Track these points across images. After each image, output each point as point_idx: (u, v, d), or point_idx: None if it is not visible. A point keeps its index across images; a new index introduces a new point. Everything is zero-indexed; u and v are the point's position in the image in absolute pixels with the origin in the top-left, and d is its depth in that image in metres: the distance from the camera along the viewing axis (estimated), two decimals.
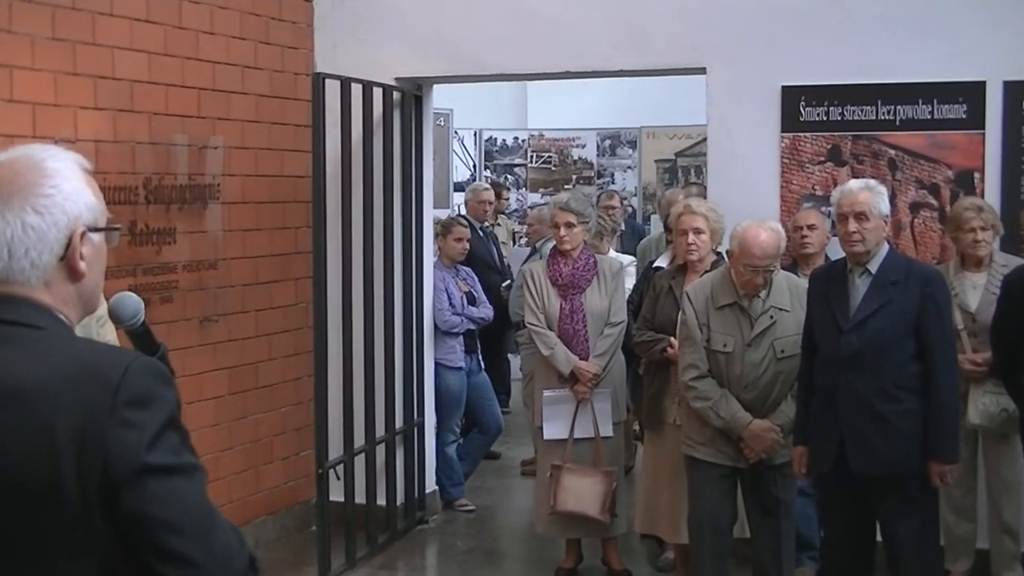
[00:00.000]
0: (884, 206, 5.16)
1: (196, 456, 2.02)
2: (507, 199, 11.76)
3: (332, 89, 6.76)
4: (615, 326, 6.64)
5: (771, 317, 5.49)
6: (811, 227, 6.54)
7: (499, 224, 11.29)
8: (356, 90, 6.96)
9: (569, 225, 6.62)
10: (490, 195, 10.01)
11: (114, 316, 3.06)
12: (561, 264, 6.69)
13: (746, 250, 5.41)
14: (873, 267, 5.14)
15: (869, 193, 5.14)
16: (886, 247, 5.21)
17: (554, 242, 6.80)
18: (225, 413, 6.97)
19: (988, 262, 6.08)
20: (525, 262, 8.22)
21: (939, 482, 5.12)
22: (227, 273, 6.95)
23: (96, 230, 2.10)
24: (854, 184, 5.26)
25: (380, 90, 7.19)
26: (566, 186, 13.42)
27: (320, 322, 6.71)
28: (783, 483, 5.60)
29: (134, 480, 1.92)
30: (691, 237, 6.14)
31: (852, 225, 5.09)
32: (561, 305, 6.65)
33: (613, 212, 10.14)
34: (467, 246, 8.14)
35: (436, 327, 7.86)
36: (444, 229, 8.03)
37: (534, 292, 6.72)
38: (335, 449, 6.89)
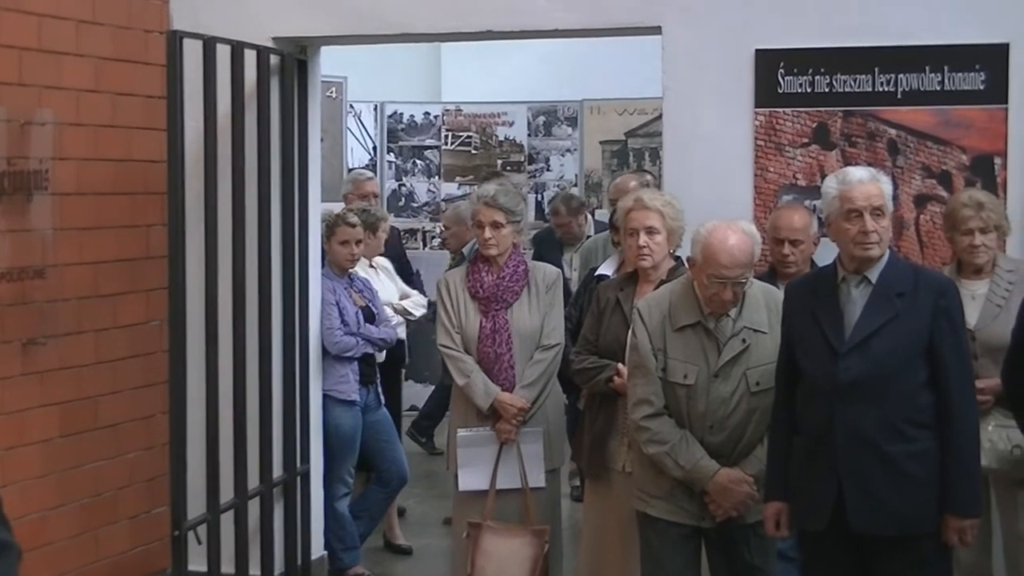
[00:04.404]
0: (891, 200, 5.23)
1: (7, 529, 1.92)
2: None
3: (192, 51, 6.68)
4: (549, 350, 6.66)
5: (744, 341, 5.46)
6: (795, 243, 6.53)
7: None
8: (223, 52, 6.90)
9: (496, 225, 6.62)
10: (373, 185, 9.94)
11: None
12: (483, 272, 6.67)
13: (711, 258, 5.37)
14: (873, 275, 5.12)
15: (881, 184, 5.17)
16: (888, 251, 5.21)
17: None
18: (55, 461, 6.88)
19: (990, 268, 6.11)
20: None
21: (957, 540, 5.12)
22: (58, 283, 6.85)
23: None
24: (861, 172, 5.24)
25: (254, 52, 7.13)
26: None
27: (177, 345, 6.65)
28: (759, 546, 5.58)
29: None
30: (643, 238, 6.11)
31: (870, 223, 5.08)
32: (482, 323, 6.65)
33: (565, 227, 10.19)
34: (356, 251, 8.05)
35: (325, 351, 7.79)
36: (328, 229, 7.94)
37: (449, 307, 6.72)
38: (196, 506, 6.82)
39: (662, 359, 5.51)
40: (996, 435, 5.87)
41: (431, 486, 9.87)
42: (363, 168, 12.40)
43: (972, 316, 6.00)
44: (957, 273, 6.15)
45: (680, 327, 5.50)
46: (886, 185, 5.18)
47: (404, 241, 11.45)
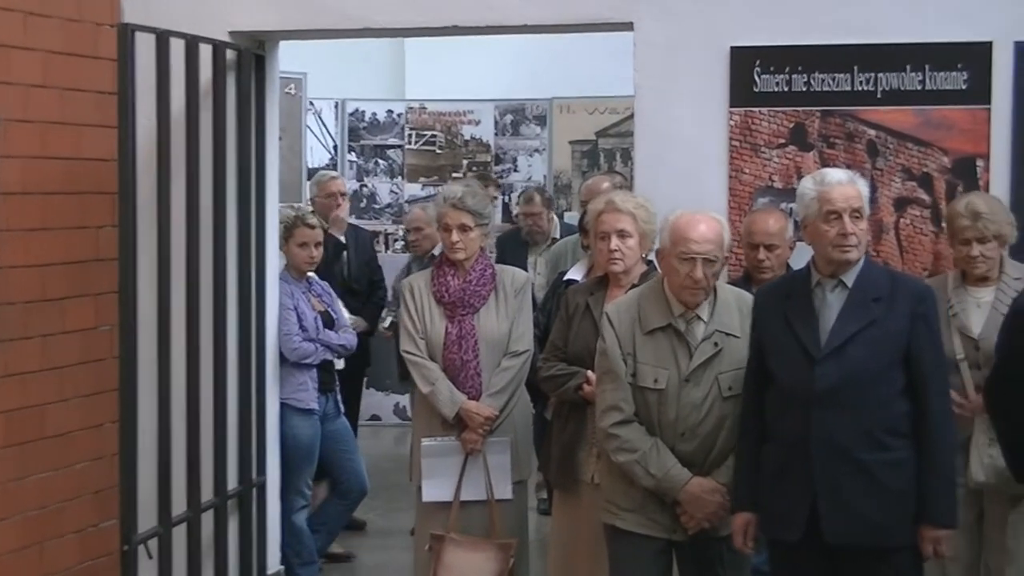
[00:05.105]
0: None
1: None
2: (495, 196, 11.59)
3: (145, 45, 6.66)
4: (517, 356, 6.66)
5: (715, 344, 5.48)
6: (770, 248, 6.55)
7: None
8: (177, 47, 6.87)
9: (464, 228, 6.63)
10: (339, 184, 9.92)
11: None
12: (449, 276, 6.67)
13: (680, 235, 5.43)
14: (849, 279, 5.17)
15: (859, 185, 5.24)
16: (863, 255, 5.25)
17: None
18: None
19: (997, 275, 6.12)
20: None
21: (931, 552, 5.16)
22: (3, 286, 6.82)
23: None
24: (839, 174, 5.30)
25: (209, 47, 7.11)
26: (455, 174, 13.36)
27: (128, 351, 6.62)
28: (732, 561, 5.59)
29: None
30: (614, 242, 6.12)
31: (850, 225, 5.13)
32: (447, 328, 6.64)
33: (536, 219, 10.16)
34: (315, 254, 8.04)
35: (283, 357, 7.78)
36: (286, 231, 7.93)
37: (413, 312, 6.70)
38: (147, 518, 6.78)
39: (631, 364, 5.52)
40: (996, 451, 5.79)
41: (392, 498, 9.85)
42: (324, 168, 12.38)
43: (977, 324, 6.05)
44: (962, 279, 6.18)
45: (650, 330, 5.51)
46: (863, 187, 5.25)
47: None
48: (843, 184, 5.20)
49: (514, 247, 10.17)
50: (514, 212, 13.19)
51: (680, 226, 5.46)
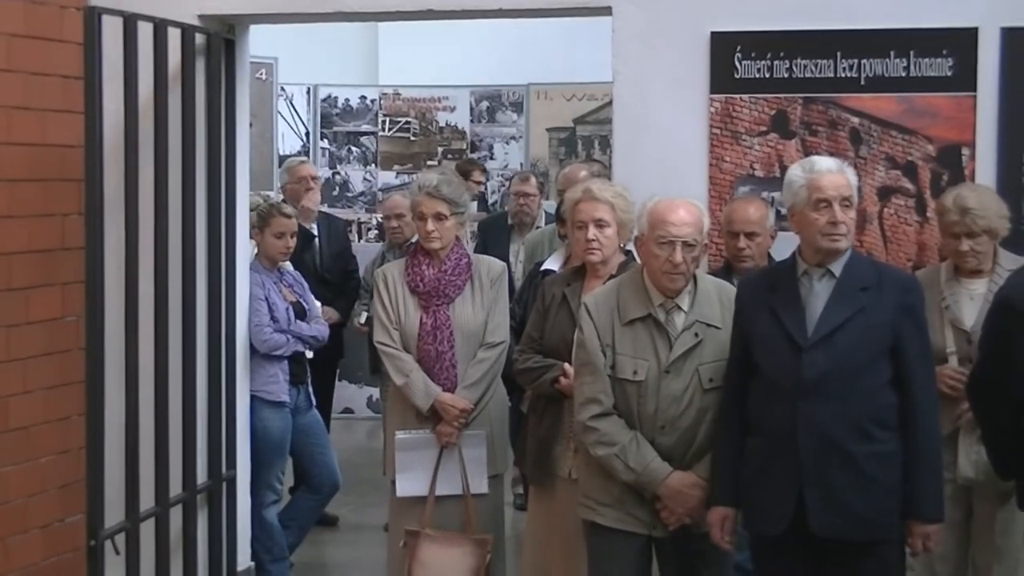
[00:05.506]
0: None
1: None
2: (481, 182, 11.56)
3: (112, 28, 6.64)
4: (493, 348, 6.66)
5: (696, 335, 5.47)
6: (750, 236, 6.56)
7: None
8: (145, 30, 6.84)
9: (440, 217, 6.62)
10: (309, 168, 9.89)
11: None
12: (423, 266, 6.66)
13: (659, 219, 5.43)
14: (837, 269, 5.19)
15: (847, 175, 5.25)
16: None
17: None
18: None
19: (991, 266, 6.12)
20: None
21: (921, 547, 5.20)
22: None
23: None
24: (828, 162, 5.32)
25: (178, 31, 7.08)
26: (429, 161, 13.34)
27: (95, 342, 6.59)
28: (714, 558, 5.58)
29: None
30: (592, 231, 6.12)
31: (840, 214, 5.15)
32: (422, 319, 6.64)
33: (529, 201, 10.09)
34: (290, 244, 8.03)
35: (253, 349, 7.76)
36: (261, 220, 7.91)
37: (387, 302, 6.68)
38: (114, 513, 6.76)
39: (610, 355, 5.51)
40: (983, 446, 5.82)
41: (364, 493, 9.84)
42: (295, 156, 12.35)
43: (969, 317, 6.05)
44: (955, 271, 6.18)
45: (629, 321, 5.50)
46: (852, 176, 5.26)
47: None
48: (833, 172, 5.21)
49: (497, 233, 10.08)
50: (490, 200, 13.19)
51: (659, 211, 5.46)
